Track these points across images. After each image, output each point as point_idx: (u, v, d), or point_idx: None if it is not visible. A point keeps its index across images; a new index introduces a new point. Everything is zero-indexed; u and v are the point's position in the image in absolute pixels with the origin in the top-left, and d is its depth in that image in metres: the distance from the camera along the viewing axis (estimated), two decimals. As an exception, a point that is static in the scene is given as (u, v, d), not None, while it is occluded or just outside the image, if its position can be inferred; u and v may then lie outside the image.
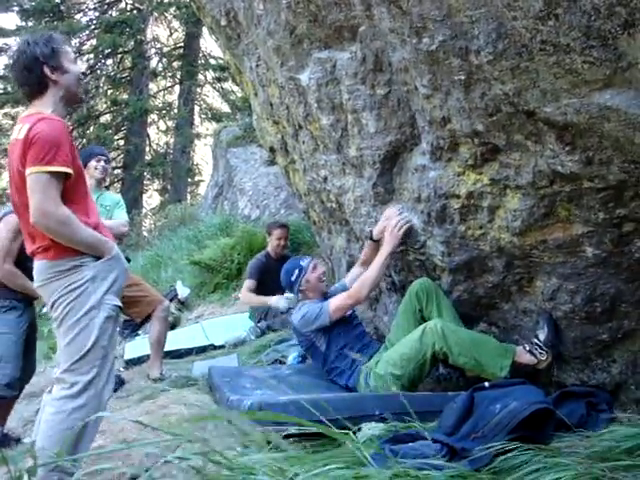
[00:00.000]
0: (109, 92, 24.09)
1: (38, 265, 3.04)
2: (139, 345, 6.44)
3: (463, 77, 2.83)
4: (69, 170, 2.94)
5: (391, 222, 4.06)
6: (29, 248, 3.11)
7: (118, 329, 8.24)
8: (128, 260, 3.84)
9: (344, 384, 4.27)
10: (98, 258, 3.03)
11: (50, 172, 2.87)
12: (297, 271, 4.66)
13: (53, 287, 2.98)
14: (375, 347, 4.39)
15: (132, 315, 5.49)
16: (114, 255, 3.10)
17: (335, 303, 4.36)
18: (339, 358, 4.34)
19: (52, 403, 2.94)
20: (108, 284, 3.04)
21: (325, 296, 4.64)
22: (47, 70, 3.11)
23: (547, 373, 3.92)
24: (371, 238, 4.35)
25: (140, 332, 7.59)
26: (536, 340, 3.77)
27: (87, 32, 23.12)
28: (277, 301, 6.49)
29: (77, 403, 2.89)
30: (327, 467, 1.72)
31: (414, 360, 3.97)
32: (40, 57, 3.12)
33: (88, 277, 2.97)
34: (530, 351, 3.81)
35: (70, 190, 2.97)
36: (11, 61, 3.31)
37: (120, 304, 3.14)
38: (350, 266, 5.34)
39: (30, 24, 22.61)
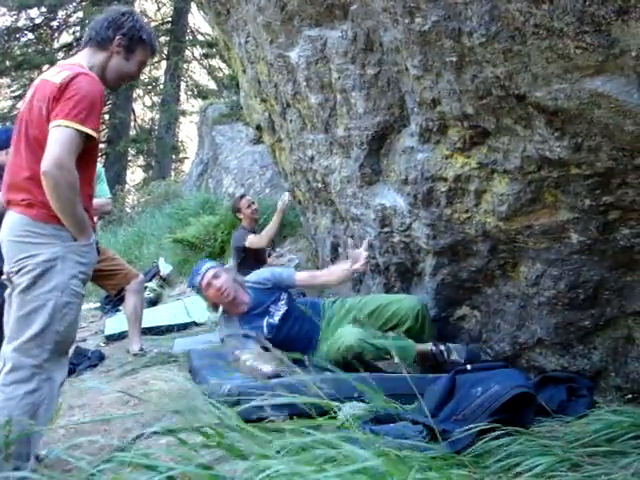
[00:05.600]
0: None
1: (15, 218, 2.89)
2: (120, 321, 6.41)
3: (455, 59, 2.81)
4: (96, 135, 2.85)
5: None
6: (7, 195, 2.97)
7: (98, 304, 8.24)
8: (98, 252, 3.74)
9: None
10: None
11: (80, 131, 2.77)
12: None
13: (22, 248, 2.84)
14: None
15: (107, 288, 5.50)
16: (90, 242, 3.02)
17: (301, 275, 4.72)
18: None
19: (2, 389, 2.80)
20: (77, 269, 2.91)
21: None
22: (118, 40, 3.08)
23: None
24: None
25: (121, 308, 7.55)
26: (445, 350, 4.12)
27: (74, 4, 22.91)
28: (282, 198, 6.78)
29: (28, 388, 2.77)
30: (309, 445, 1.71)
31: None
32: (125, 28, 3.10)
33: (59, 254, 2.84)
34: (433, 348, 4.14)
35: (83, 155, 2.85)
36: (111, 9, 3.25)
37: (84, 292, 3.06)
38: (334, 247, 5.34)
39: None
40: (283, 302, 4.50)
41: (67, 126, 2.75)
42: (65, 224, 2.85)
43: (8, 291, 3.00)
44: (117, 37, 3.08)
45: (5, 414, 2.74)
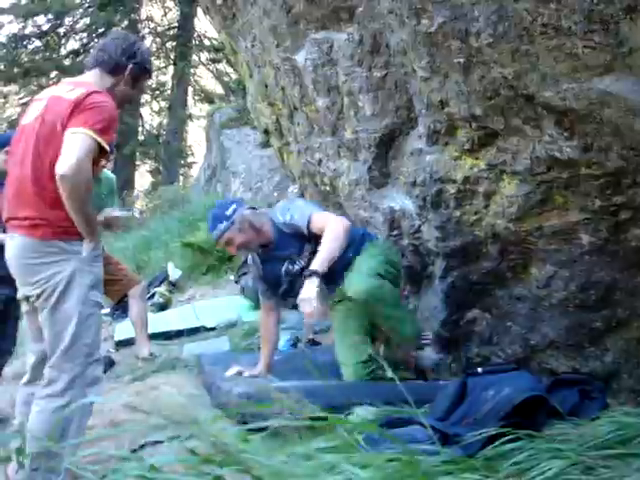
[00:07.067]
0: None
1: (22, 241, 2.91)
2: (130, 326, 6.41)
3: (462, 60, 2.79)
4: (108, 150, 2.90)
5: None
6: (11, 210, 2.99)
7: (108, 310, 8.26)
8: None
9: None
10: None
11: (97, 142, 2.79)
12: None
13: (36, 270, 2.87)
14: None
15: (109, 294, 5.49)
16: (99, 250, 3.03)
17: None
18: None
19: (37, 402, 2.87)
20: (93, 279, 2.96)
21: None
22: (130, 68, 3.14)
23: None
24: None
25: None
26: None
27: (81, 10, 22.96)
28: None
29: (60, 402, 2.82)
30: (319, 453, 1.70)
31: None
32: (137, 58, 3.17)
33: (75, 267, 2.88)
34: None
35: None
36: (115, 33, 3.42)
37: (102, 301, 3.09)
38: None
39: (23, 2, 22.45)
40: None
41: (86, 134, 2.77)
42: (77, 224, 2.87)
43: (24, 309, 3.05)
44: (129, 66, 3.13)
45: (36, 427, 2.78)
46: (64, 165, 2.72)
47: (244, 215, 4.09)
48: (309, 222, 3.97)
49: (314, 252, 3.91)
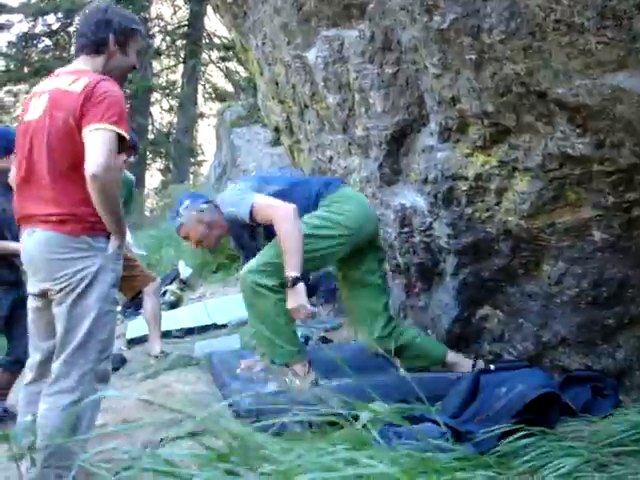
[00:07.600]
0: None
1: (47, 236, 2.85)
2: (142, 324, 6.42)
3: (474, 56, 2.79)
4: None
5: None
6: (28, 208, 2.93)
7: (119, 308, 8.29)
8: None
9: None
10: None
11: (117, 133, 2.77)
12: None
13: (62, 265, 2.83)
14: None
15: (125, 291, 5.50)
16: (123, 247, 3.03)
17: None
18: None
19: (45, 400, 2.83)
20: (114, 277, 2.95)
21: None
22: (112, 38, 3.04)
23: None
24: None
25: (143, 311, 7.56)
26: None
27: (90, 9, 23.02)
28: None
29: (71, 398, 2.77)
30: (333, 449, 1.70)
31: None
32: (115, 24, 3.06)
33: (100, 264, 2.86)
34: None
35: None
36: (86, 10, 3.25)
37: (117, 298, 3.08)
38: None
39: (33, 1, 22.54)
40: None
41: (104, 128, 2.74)
42: (107, 222, 2.85)
43: (34, 305, 3.01)
44: (109, 36, 3.04)
45: (47, 424, 2.75)
46: (93, 165, 2.69)
47: (190, 213, 4.14)
48: (251, 215, 3.83)
49: (268, 236, 3.90)
